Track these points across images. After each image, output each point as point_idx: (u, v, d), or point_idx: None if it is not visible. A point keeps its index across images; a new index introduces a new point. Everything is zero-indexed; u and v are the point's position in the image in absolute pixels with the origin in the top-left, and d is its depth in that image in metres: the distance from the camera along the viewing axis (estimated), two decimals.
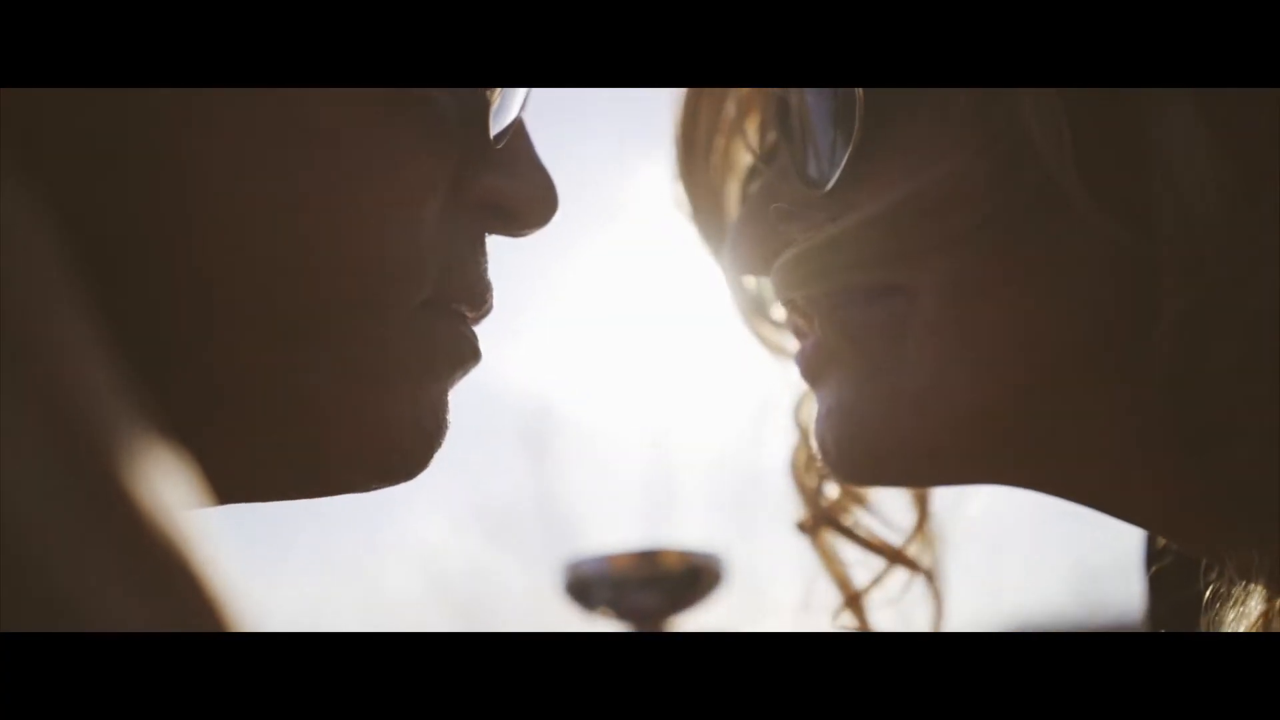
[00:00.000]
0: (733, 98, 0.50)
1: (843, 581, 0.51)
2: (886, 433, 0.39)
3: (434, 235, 0.35)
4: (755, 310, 0.52)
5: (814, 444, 0.43)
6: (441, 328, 0.36)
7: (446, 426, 0.37)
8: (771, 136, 0.48)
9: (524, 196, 0.37)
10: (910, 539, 0.50)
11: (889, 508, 0.51)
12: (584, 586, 1.73)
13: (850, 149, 0.38)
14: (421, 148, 0.34)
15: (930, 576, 0.50)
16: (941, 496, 0.50)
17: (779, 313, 0.51)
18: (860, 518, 0.51)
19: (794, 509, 0.52)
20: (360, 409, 0.34)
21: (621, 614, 1.57)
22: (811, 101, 0.41)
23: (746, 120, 0.50)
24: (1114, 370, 0.35)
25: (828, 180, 0.39)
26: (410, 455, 0.36)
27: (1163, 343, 0.32)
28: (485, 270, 0.37)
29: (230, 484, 0.34)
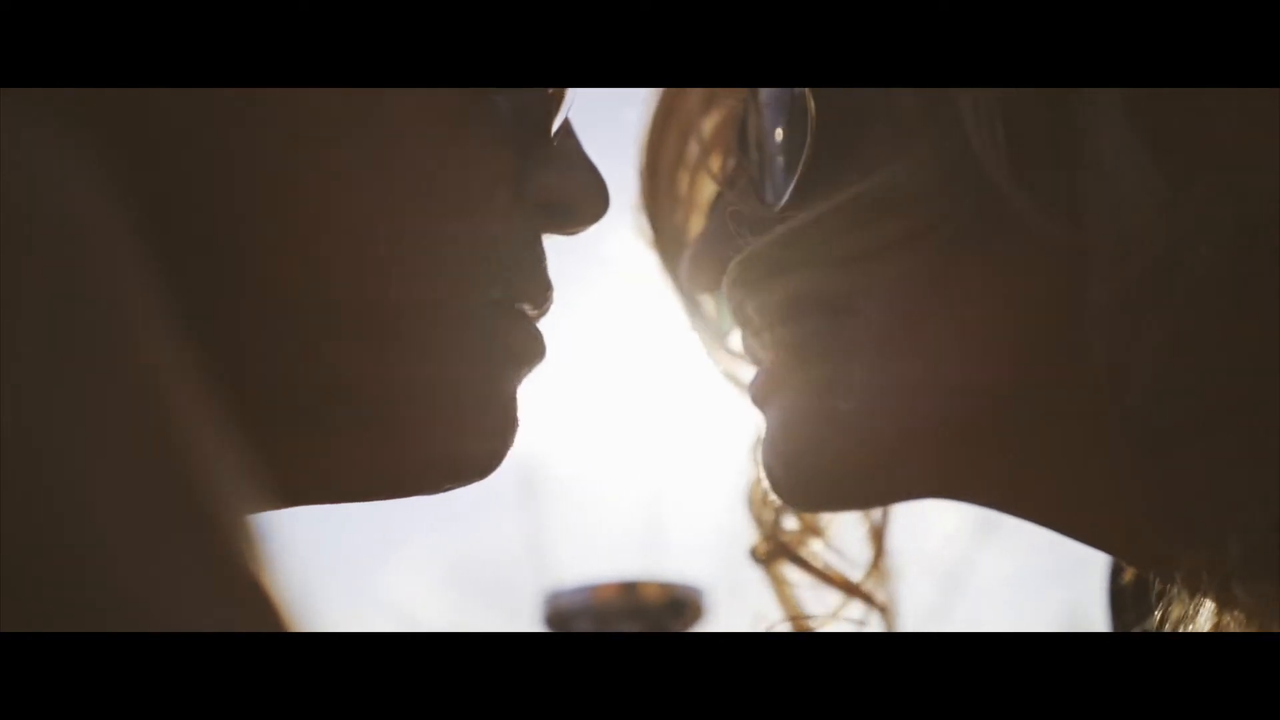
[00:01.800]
0: (696, 134, 0.52)
1: (795, 614, 0.52)
2: (830, 453, 0.40)
3: (499, 235, 0.37)
4: (714, 338, 0.54)
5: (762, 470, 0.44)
6: (509, 326, 0.38)
7: (518, 425, 0.38)
8: (732, 163, 0.50)
9: (579, 193, 0.39)
10: (867, 573, 0.51)
11: (846, 542, 0.53)
12: (564, 618, 1.75)
13: (802, 164, 0.39)
14: (487, 149, 0.36)
15: (885, 611, 0.51)
16: (899, 533, 0.52)
17: (737, 342, 0.53)
18: (817, 550, 0.52)
19: (750, 538, 0.53)
20: (434, 410, 0.36)
21: None
22: (767, 121, 0.43)
23: (711, 154, 0.52)
24: (1061, 379, 0.36)
25: (782, 196, 0.40)
26: (484, 454, 0.38)
27: (1094, 335, 0.33)
28: (546, 268, 0.39)
29: (306, 486, 0.36)
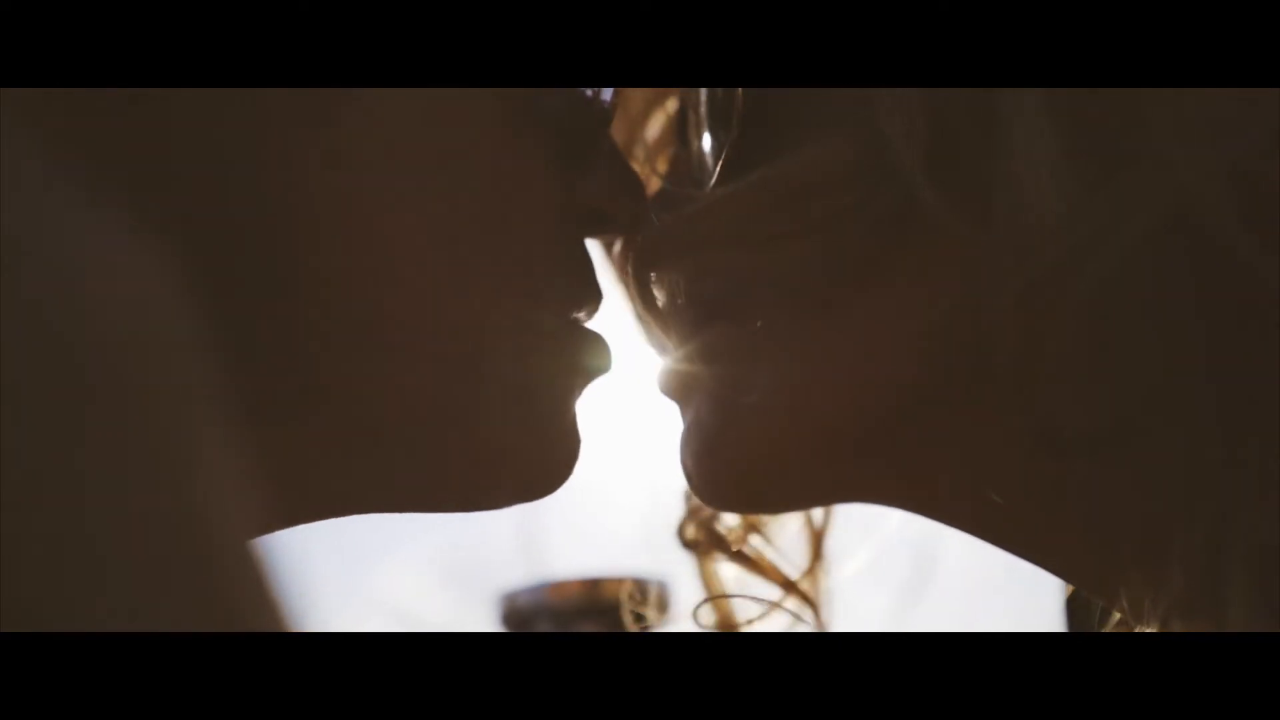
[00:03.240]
0: (646, 126, 0.53)
1: (721, 609, 0.54)
2: (739, 452, 0.41)
3: (550, 245, 0.38)
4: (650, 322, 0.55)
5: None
6: (569, 338, 0.39)
7: (581, 443, 0.40)
8: (674, 155, 0.50)
9: (620, 199, 0.41)
10: (804, 574, 0.53)
11: (783, 542, 0.54)
12: (521, 618, 1.75)
13: (726, 149, 0.41)
14: (536, 159, 0.37)
15: (815, 610, 0.52)
16: (838, 537, 0.53)
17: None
18: (754, 543, 0.53)
19: (683, 527, 0.54)
20: (502, 425, 0.37)
21: None
22: (703, 112, 0.44)
23: (659, 149, 0.53)
24: (973, 381, 0.37)
25: (709, 180, 0.41)
26: (552, 468, 0.39)
27: (998, 337, 0.34)
28: (594, 275, 0.41)
29: (371, 498, 0.38)
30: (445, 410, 0.36)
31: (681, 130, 0.47)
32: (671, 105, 0.52)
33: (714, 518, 0.53)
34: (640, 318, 0.55)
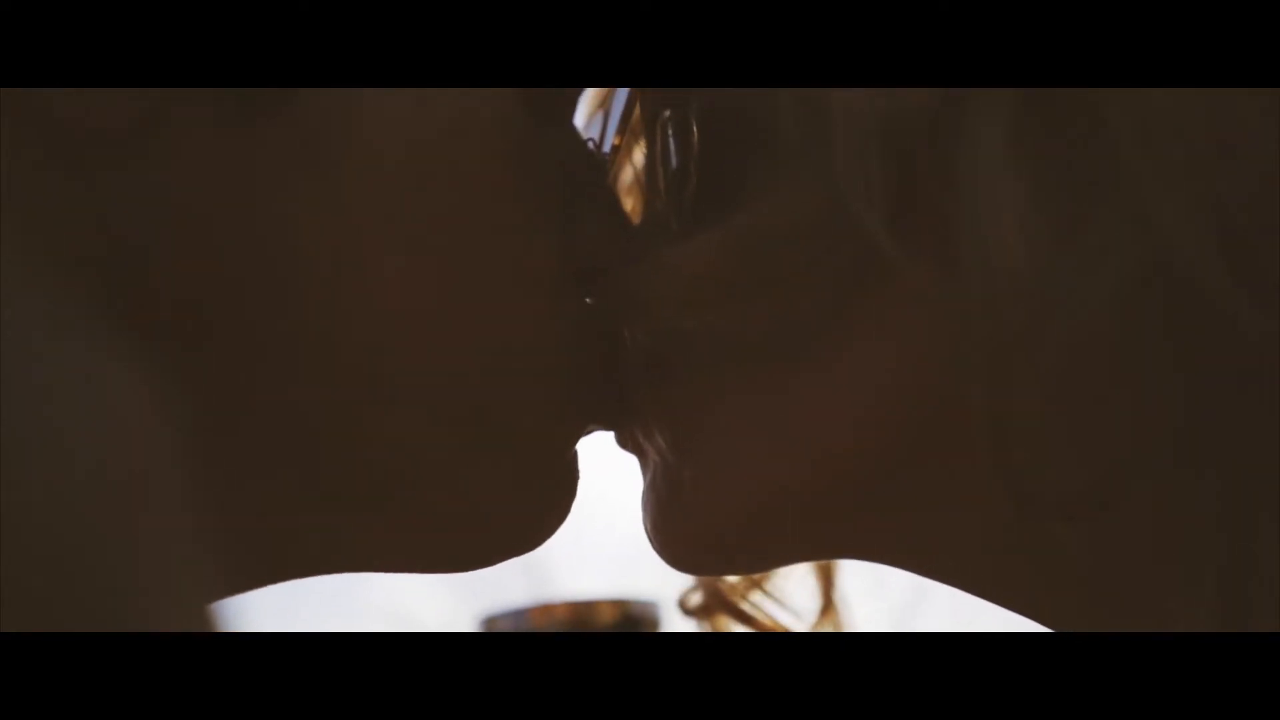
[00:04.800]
0: (627, 165, 0.53)
1: None
2: (688, 520, 0.41)
3: (555, 305, 0.39)
4: None
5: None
6: (577, 390, 0.40)
7: (578, 482, 0.41)
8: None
9: (616, 254, 0.41)
10: (815, 624, 0.52)
11: (792, 589, 0.53)
12: None
13: (688, 194, 0.41)
14: (541, 217, 0.38)
15: None
16: (851, 581, 0.52)
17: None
18: (759, 601, 0.53)
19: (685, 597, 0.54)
20: (502, 485, 0.38)
21: None
22: (668, 154, 0.43)
23: (631, 190, 0.53)
24: (944, 440, 0.37)
25: (676, 224, 0.42)
26: (547, 522, 0.40)
27: (971, 395, 0.34)
28: (601, 326, 0.41)
29: (357, 558, 0.38)
30: (436, 468, 0.36)
31: (650, 172, 0.46)
32: (639, 152, 0.52)
33: (718, 580, 0.53)
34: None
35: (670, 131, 0.42)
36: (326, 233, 0.34)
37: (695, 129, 0.40)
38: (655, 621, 1.69)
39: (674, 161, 0.42)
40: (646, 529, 0.42)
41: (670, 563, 0.43)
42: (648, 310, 0.41)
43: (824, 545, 0.43)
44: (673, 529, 0.41)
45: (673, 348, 0.41)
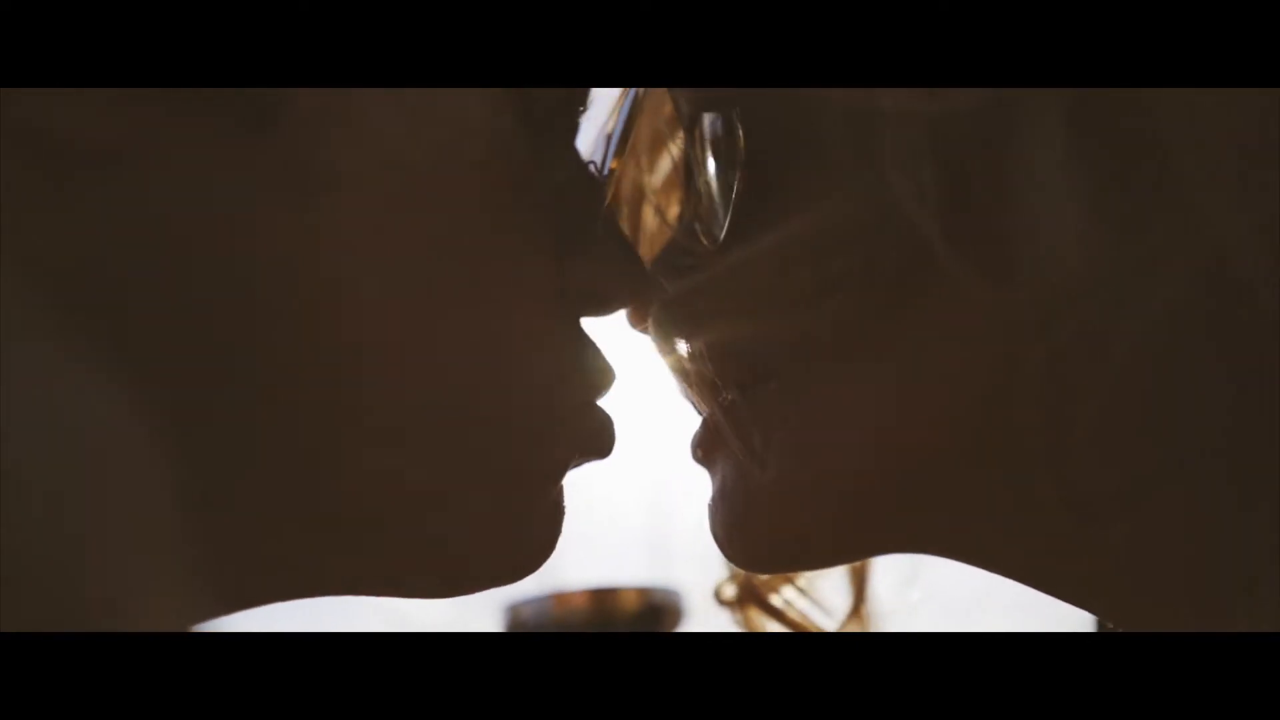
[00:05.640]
0: (654, 169, 0.53)
1: None
2: (763, 522, 0.41)
3: (552, 330, 0.39)
4: (683, 375, 0.55)
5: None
6: (576, 422, 0.40)
7: (564, 514, 0.41)
8: (682, 200, 0.51)
9: (618, 283, 0.41)
10: (845, 622, 0.53)
11: (825, 587, 0.54)
12: (526, 630, 1.75)
13: (732, 204, 0.40)
14: (537, 246, 0.38)
15: None
16: (880, 577, 0.53)
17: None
18: (791, 597, 0.54)
19: (715, 584, 0.55)
20: (489, 513, 0.38)
21: None
22: (710, 158, 0.43)
23: (669, 191, 0.53)
24: (995, 438, 0.37)
25: (718, 238, 0.41)
26: (534, 553, 0.40)
27: (1025, 400, 0.34)
28: (601, 354, 0.41)
29: (345, 582, 0.38)
30: (431, 494, 0.36)
31: (689, 176, 0.47)
32: (676, 149, 0.52)
33: (755, 577, 0.54)
34: (678, 381, 0.55)
35: (714, 135, 0.42)
36: (312, 256, 0.33)
37: (741, 133, 0.40)
38: (678, 610, 1.70)
39: (718, 166, 0.42)
40: (717, 530, 0.43)
41: (742, 562, 0.44)
42: (707, 322, 0.41)
43: (891, 542, 0.43)
44: (751, 530, 0.42)
45: (737, 356, 0.41)
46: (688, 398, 0.52)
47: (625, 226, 0.56)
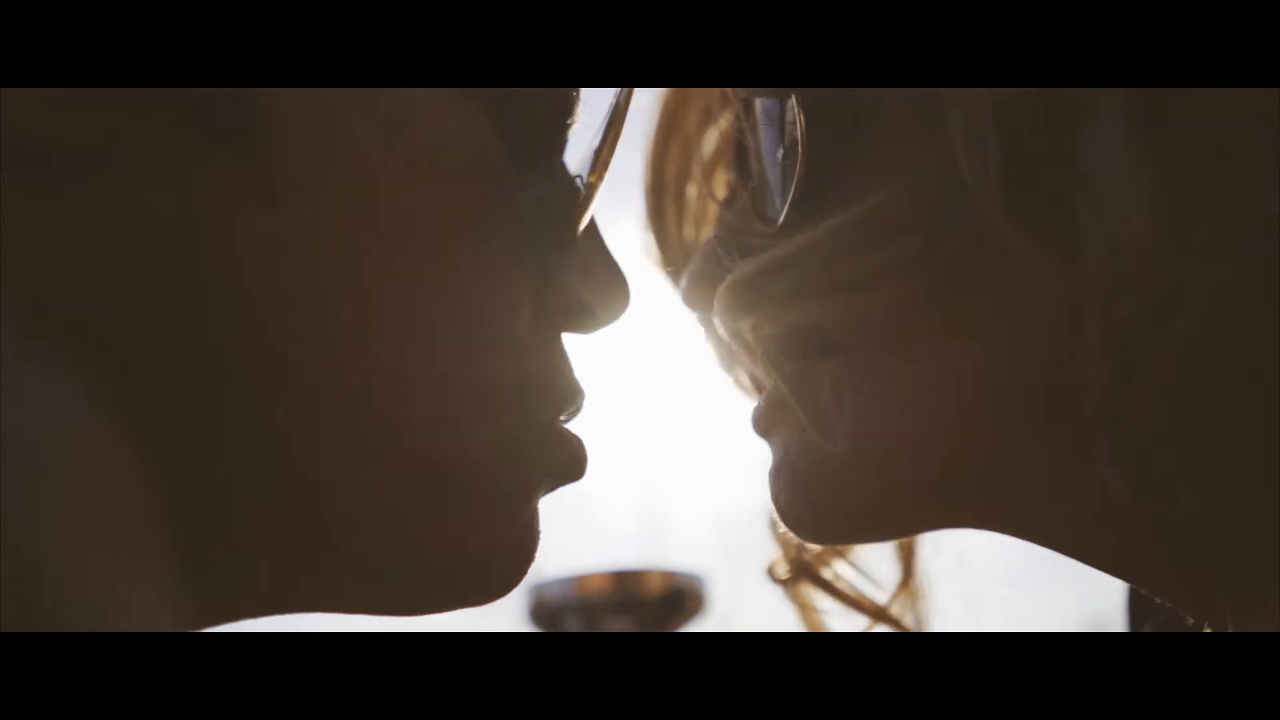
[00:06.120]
0: (701, 145, 0.55)
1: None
2: (828, 492, 0.43)
3: (531, 348, 0.38)
4: (729, 355, 0.57)
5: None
6: (546, 442, 0.39)
7: (539, 538, 0.40)
8: (732, 180, 0.52)
9: (601, 295, 0.41)
10: (894, 595, 0.55)
11: (873, 560, 0.56)
12: (550, 612, 1.78)
13: (794, 185, 0.41)
14: (509, 257, 0.37)
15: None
16: (928, 551, 0.55)
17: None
18: (841, 571, 0.55)
19: (770, 558, 0.57)
20: (464, 536, 0.37)
21: None
22: (764, 139, 0.45)
23: (713, 167, 0.55)
24: (1056, 413, 0.38)
25: (777, 218, 0.42)
26: (510, 574, 0.39)
27: (1085, 376, 0.35)
28: (572, 372, 0.41)
29: (317, 600, 0.38)
30: (400, 511, 0.36)
31: (739, 150, 0.48)
32: (723, 123, 0.53)
33: (803, 551, 0.55)
34: (722, 358, 0.57)
35: (769, 118, 0.44)
36: (282, 266, 0.33)
37: (801, 117, 0.41)
38: (699, 594, 1.73)
39: (775, 148, 0.43)
40: (778, 499, 0.44)
41: (802, 531, 0.45)
42: (775, 301, 0.42)
43: (950, 518, 0.44)
44: (814, 499, 0.43)
45: (803, 331, 0.42)
46: (744, 371, 0.54)
47: (670, 206, 0.58)
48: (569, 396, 0.40)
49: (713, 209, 0.56)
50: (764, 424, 0.45)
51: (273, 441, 0.33)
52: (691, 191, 0.57)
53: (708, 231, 0.57)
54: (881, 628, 0.54)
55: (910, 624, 0.54)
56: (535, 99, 0.38)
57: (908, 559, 0.55)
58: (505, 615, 1.60)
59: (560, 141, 0.40)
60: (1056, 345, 0.37)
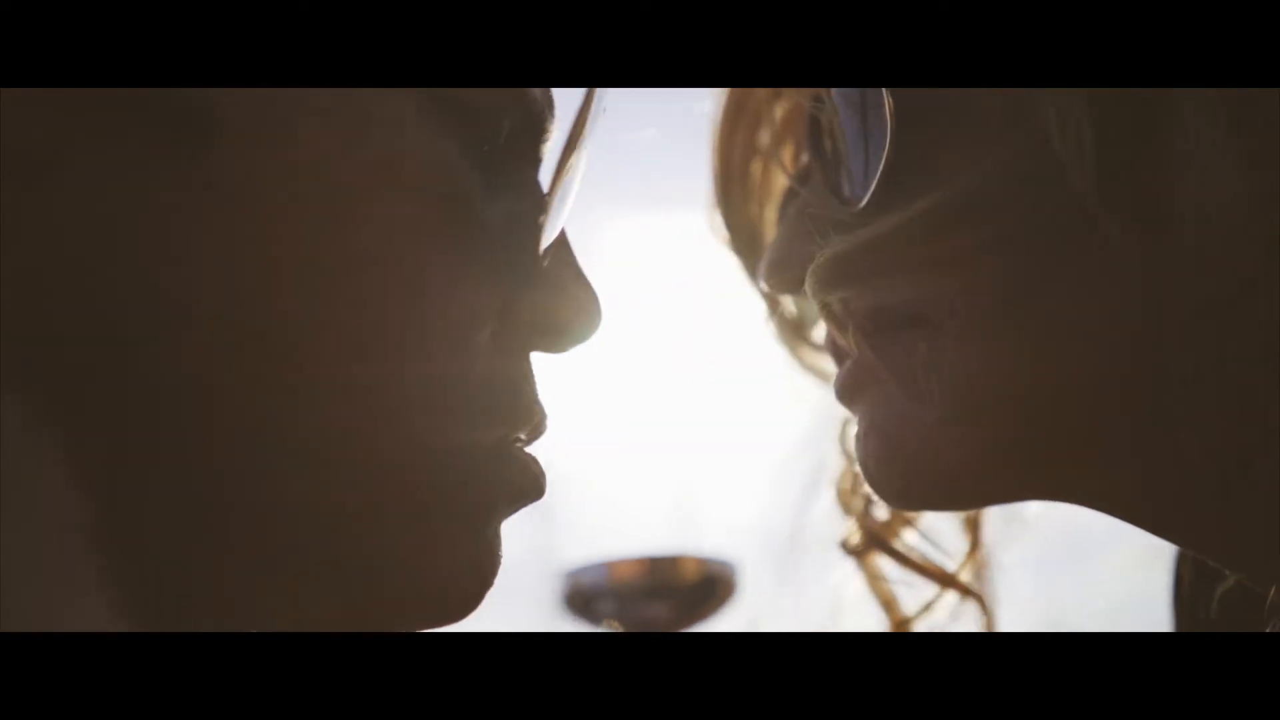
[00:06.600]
0: (768, 123, 0.57)
1: (890, 605, 0.58)
2: (920, 457, 0.44)
3: (488, 364, 0.37)
4: (794, 333, 0.59)
5: (857, 466, 0.48)
6: (501, 461, 0.39)
7: (500, 561, 0.39)
8: (805, 158, 0.53)
9: (571, 314, 0.40)
10: (962, 564, 0.57)
11: (940, 531, 0.58)
12: (584, 597, 1.79)
13: (883, 166, 0.42)
14: (474, 270, 0.37)
15: (982, 602, 0.56)
16: (994, 521, 0.57)
17: (818, 337, 0.58)
18: (910, 540, 0.57)
19: (838, 530, 0.58)
20: (417, 553, 0.37)
21: (627, 627, 1.63)
22: (843, 120, 0.46)
23: (782, 145, 0.57)
24: (1141, 385, 0.39)
25: (861, 197, 0.43)
26: (466, 596, 0.38)
27: (1175, 350, 0.37)
28: (537, 393, 0.40)
29: (282, 618, 0.37)
30: (348, 526, 0.35)
31: (814, 127, 0.49)
32: (787, 103, 0.55)
33: (867, 513, 0.57)
34: (784, 335, 0.59)
35: (849, 100, 0.44)
36: (234, 274, 0.32)
37: (889, 100, 0.42)
38: (731, 581, 1.75)
39: (858, 129, 0.44)
40: (867, 463, 0.45)
41: (889, 494, 0.46)
42: (867, 280, 0.43)
43: (1033, 489, 0.45)
44: (904, 463, 0.44)
45: (896, 303, 0.43)
46: (807, 348, 0.55)
47: (737, 185, 0.59)
48: (527, 416, 0.39)
49: (779, 188, 0.57)
50: (849, 391, 0.47)
51: (217, 450, 0.33)
52: (758, 170, 0.58)
53: (773, 210, 0.58)
54: (951, 595, 0.56)
55: (978, 591, 0.56)
56: (504, 112, 0.38)
57: (974, 530, 0.57)
58: (539, 602, 1.62)
59: (533, 157, 0.39)
60: (1144, 320, 0.38)
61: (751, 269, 0.59)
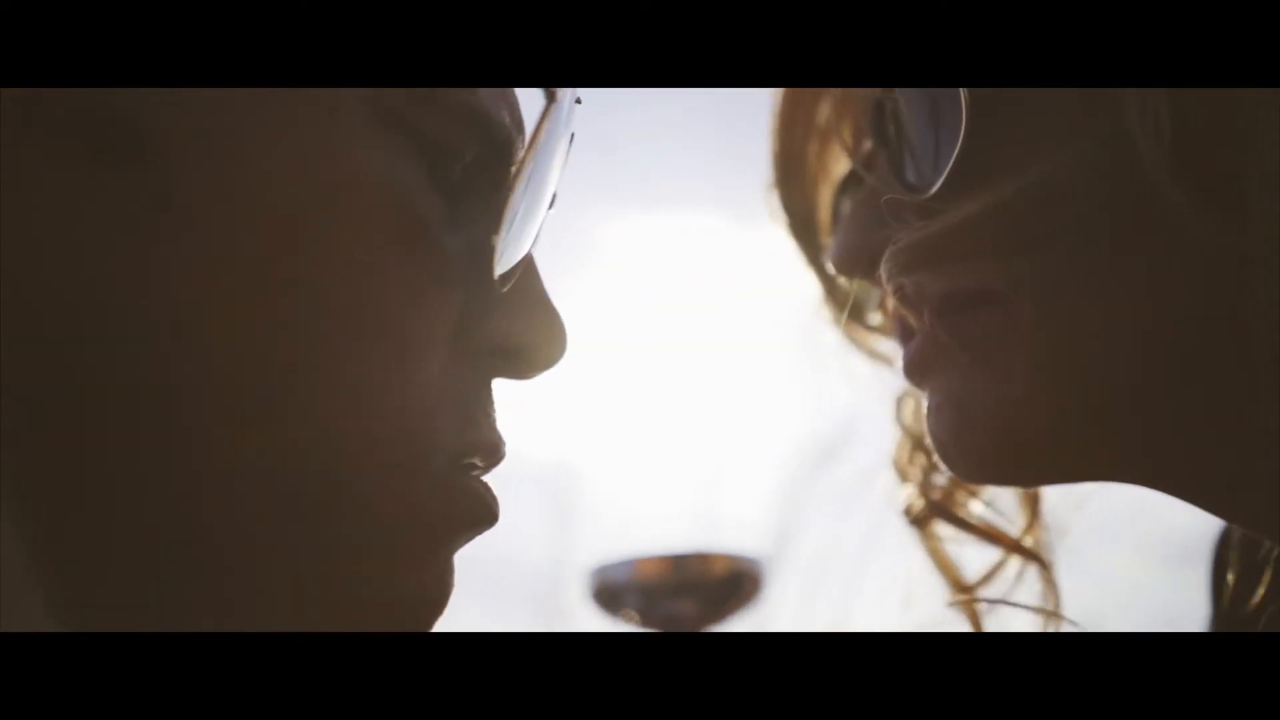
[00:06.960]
0: (827, 104, 0.58)
1: (952, 573, 0.59)
2: (995, 432, 0.45)
3: (443, 387, 0.37)
4: (852, 315, 0.61)
5: (927, 439, 0.49)
6: (454, 487, 0.38)
7: (450, 591, 0.39)
8: (868, 143, 0.55)
9: (534, 338, 0.40)
10: (1024, 531, 0.58)
11: (999, 503, 0.60)
12: (612, 593, 1.80)
13: (956, 154, 0.44)
14: (433, 290, 0.37)
15: (1047, 568, 0.58)
16: (1051, 493, 0.58)
17: (874, 319, 0.60)
18: (971, 508, 0.59)
19: (899, 500, 0.60)
20: (363, 580, 0.36)
21: (654, 623, 1.65)
22: (910, 106, 0.47)
23: (842, 127, 0.58)
24: (1212, 369, 0.40)
25: (931, 184, 0.45)
26: (411, 621, 0.38)
27: (1243, 331, 0.37)
28: (494, 419, 0.40)
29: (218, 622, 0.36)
30: (300, 564, 0.35)
31: (878, 114, 0.50)
32: (865, 103, 0.55)
33: (926, 482, 0.58)
34: (838, 319, 0.60)
35: (922, 96, 0.46)
36: (177, 291, 0.32)
37: (964, 92, 0.43)
38: (757, 577, 1.76)
39: (926, 117, 0.45)
40: (941, 435, 0.47)
41: (961, 465, 0.48)
42: (943, 265, 0.44)
43: (1099, 467, 0.47)
44: (977, 434, 0.45)
45: (972, 285, 0.44)
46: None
47: (796, 170, 0.60)
48: (480, 443, 0.39)
49: (836, 172, 0.59)
50: (919, 369, 0.48)
51: (157, 466, 0.33)
52: (814, 153, 0.60)
53: (829, 193, 0.60)
54: (1016, 561, 0.58)
55: (1042, 555, 0.58)
56: (467, 140, 0.38)
57: (1033, 505, 0.58)
58: (569, 596, 1.63)
59: (498, 181, 0.39)
60: (1212, 302, 0.39)
61: (809, 251, 0.60)
